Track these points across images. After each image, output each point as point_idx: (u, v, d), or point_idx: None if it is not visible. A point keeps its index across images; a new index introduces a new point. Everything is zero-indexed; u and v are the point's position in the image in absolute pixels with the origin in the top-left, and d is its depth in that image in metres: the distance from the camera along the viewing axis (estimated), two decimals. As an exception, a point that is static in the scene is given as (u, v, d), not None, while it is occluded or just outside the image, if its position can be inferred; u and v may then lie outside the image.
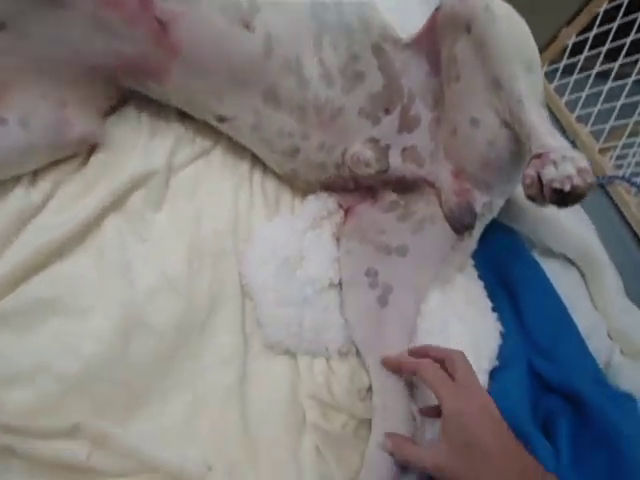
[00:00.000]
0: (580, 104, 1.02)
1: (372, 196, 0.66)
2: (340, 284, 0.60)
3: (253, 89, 0.55)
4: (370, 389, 0.54)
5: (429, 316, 0.58)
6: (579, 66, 1.03)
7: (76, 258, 0.48)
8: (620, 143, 0.98)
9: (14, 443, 0.38)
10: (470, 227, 0.60)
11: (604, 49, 0.99)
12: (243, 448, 0.46)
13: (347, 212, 0.65)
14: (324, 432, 0.49)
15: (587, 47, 1.01)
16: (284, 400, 0.50)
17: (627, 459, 0.48)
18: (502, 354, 0.58)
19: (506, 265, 0.67)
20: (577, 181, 0.41)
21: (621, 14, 0.96)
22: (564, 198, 0.42)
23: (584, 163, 0.42)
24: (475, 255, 0.65)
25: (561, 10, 1.06)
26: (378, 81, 0.59)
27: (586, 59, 1.02)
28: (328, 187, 0.64)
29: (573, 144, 1.02)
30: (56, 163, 0.52)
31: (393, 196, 0.64)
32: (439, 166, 0.61)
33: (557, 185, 0.41)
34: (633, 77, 0.95)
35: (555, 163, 0.42)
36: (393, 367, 0.53)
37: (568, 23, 1.06)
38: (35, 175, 0.50)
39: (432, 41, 0.60)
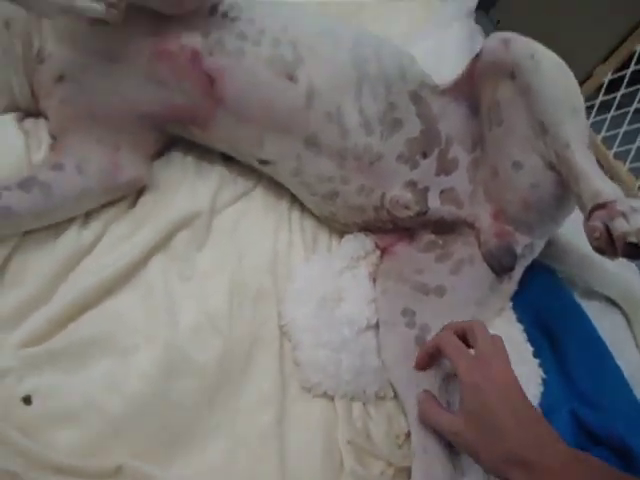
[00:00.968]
0: (618, 141, 1.01)
1: (410, 236, 0.66)
2: (377, 325, 0.59)
3: (295, 136, 0.57)
4: (408, 435, 0.53)
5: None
6: (616, 103, 1.02)
7: (123, 297, 0.50)
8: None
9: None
10: (510, 269, 0.60)
11: (641, 86, 0.98)
12: (281, 491, 0.46)
13: (384, 252, 0.66)
14: (361, 479, 0.48)
15: (624, 84, 1.01)
16: (322, 444, 0.49)
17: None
18: (544, 402, 0.56)
19: (546, 307, 0.65)
20: None
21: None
22: (639, 251, 0.41)
23: None
24: (513, 297, 0.64)
25: (597, 47, 1.06)
26: (416, 127, 0.60)
27: (623, 96, 1.01)
28: (366, 228, 0.65)
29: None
30: (107, 204, 0.54)
31: (431, 236, 0.64)
32: (478, 207, 0.61)
33: (633, 239, 0.41)
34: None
35: (625, 215, 0.42)
36: (424, 362, 0.53)
37: (604, 60, 1.05)
38: (88, 216, 0.53)
39: (471, 86, 0.61)
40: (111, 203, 0.54)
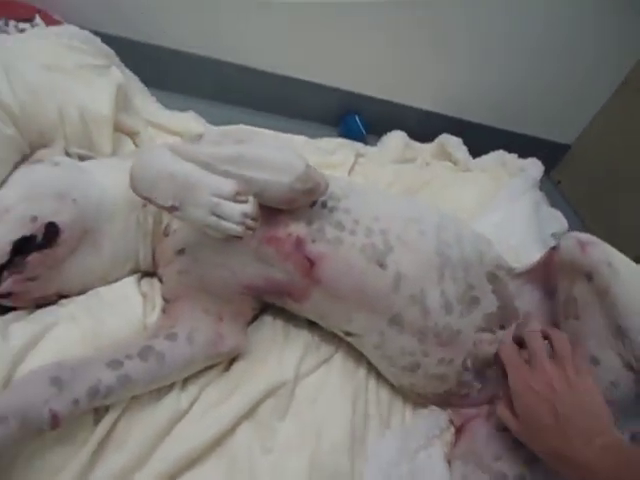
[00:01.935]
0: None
1: (487, 412, 0.65)
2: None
3: (380, 315, 0.60)
4: None
5: None
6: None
7: (208, 467, 0.52)
8: None
9: None
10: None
11: None
12: None
13: (460, 430, 0.65)
14: None
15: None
16: None
17: None
18: None
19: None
20: None
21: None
22: None
23: None
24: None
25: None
26: (492, 303, 0.63)
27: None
28: (442, 401, 0.65)
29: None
30: (204, 368, 0.58)
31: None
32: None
33: None
34: None
35: None
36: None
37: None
38: (186, 380, 0.57)
39: (547, 275, 0.64)
40: (209, 366, 0.58)
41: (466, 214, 0.93)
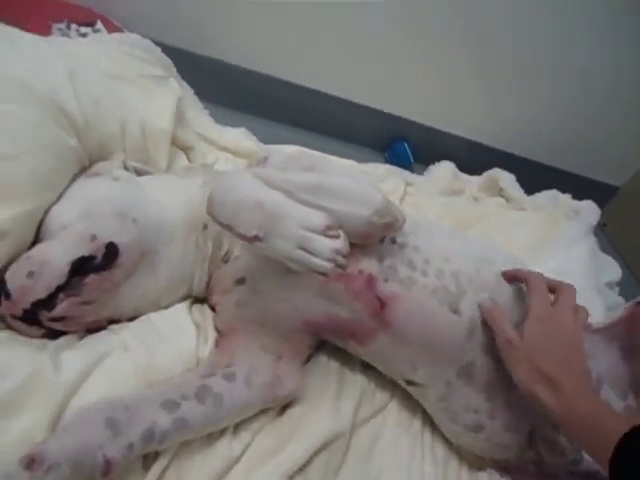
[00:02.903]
0: None
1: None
2: None
3: (449, 364, 0.56)
4: None
5: None
6: None
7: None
8: None
9: None
10: None
11: None
12: None
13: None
14: None
15: None
16: None
17: None
18: None
19: None
20: None
21: None
22: None
23: None
24: None
25: None
26: None
27: None
28: (503, 466, 0.60)
29: None
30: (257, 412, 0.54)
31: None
32: None
33: None
34: None
35: None
36: (509, 276, 0.59)
37: None
38: (238, 425, 0.52)
39: (627, 331, 0.60)
40: (262, 410, 0.54)
41: (520, 255, 0.88)
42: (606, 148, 1.45)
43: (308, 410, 0.56)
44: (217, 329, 0.59)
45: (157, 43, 0.84)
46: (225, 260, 0.59)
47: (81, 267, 0.48)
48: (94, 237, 0.49)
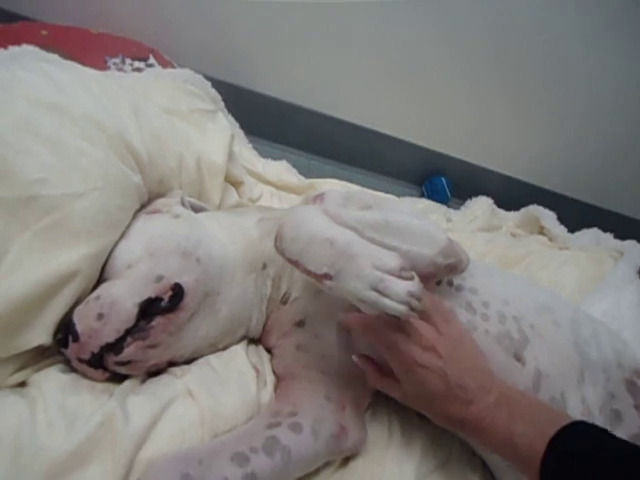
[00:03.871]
0: None
1: None
2: None
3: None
4: None
5: None
6: None
7: None
8: None
9: None
10: None
11: None
12: None
13: None
14: None
15: None
16: None
17: None
18: None
19: None
20: None
21: None
22: None
23: None
24: None
25: None
26: (635, 421, 0.56)
27: None
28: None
29: None
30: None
31: None
32: None
33: None
34: None
35: None
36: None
37: None
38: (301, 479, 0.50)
39: None
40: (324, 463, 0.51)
41: (566, 297, 0.86)
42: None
43: (370, 464, 0.53)
44: (275, 373, 0.57)
45: (206, 77, 0.86)
46: (284, 301, 0.58)
47: (148, 309, 0.47)
48: (160, 277, 0.49)
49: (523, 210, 1.15)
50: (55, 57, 0.71)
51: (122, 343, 0.45)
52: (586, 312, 0.64)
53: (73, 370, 0.47)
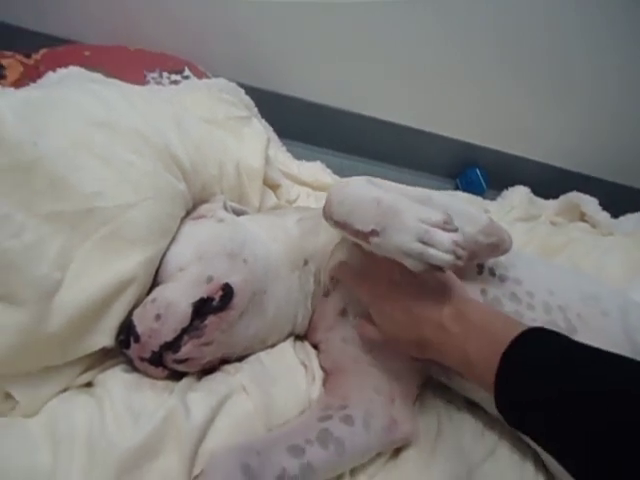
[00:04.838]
0: None
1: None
2: None
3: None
4: None
5: None
6: None
7: None
8: None
9: None
10: None
11: None
12: None
13: None
14: None
15: None
16: None
17: None
18: None
19: None
20: None
21: None
22: None
23: None
24: None
25: None
26: None
27: None
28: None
29: None
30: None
31: None
32: None
33: None
34: None
35: None
36: None
37: None
38: (354, 470, 0.51)
39: None
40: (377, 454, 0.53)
41: (612, 284, 0.84)
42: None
43: (422, 454, 0.54)
44: (323, 368, 0.58)
45: (238, 84, 0.88)
46: (325, 294, 0.59)
47: (201, 309, 0.50)
48: (210, 278, 0.51)
49: (562, 197, 1.13)
50: (99, 76, 0.75)
51: (179, 342, 0.48)
52: (634, 299, 0.63)
53: (135, 370, 0.50)
